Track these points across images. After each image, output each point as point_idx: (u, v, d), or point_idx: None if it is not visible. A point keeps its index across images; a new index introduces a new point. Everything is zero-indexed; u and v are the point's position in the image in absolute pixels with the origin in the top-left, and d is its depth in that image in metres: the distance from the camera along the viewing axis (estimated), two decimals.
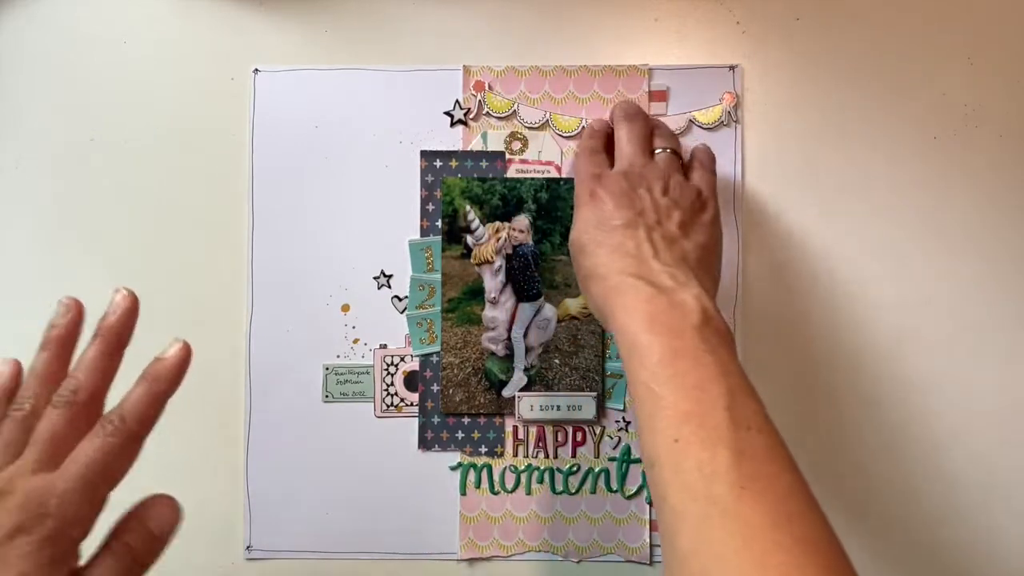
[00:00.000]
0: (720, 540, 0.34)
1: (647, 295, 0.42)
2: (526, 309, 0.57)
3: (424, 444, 0.58)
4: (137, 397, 0.38)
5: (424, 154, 0.58)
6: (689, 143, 0.57)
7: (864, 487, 0.57)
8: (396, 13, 0.59)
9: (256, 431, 0.58)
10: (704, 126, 0.58)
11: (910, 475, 0.57)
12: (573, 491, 0.57)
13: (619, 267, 0.44)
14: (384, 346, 0.58)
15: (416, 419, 0.58)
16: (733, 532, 0.34)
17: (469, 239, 0.57)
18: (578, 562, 0.57)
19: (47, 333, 0.40)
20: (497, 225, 0.57)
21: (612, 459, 0.57)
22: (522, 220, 0.57)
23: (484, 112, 0.58)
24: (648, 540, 0.57)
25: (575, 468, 0.58)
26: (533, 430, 0.58)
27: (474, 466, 0.58)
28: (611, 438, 0.58)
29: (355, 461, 0.58)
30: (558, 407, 0.57)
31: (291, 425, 0.58)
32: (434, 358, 0.58)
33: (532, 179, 0.58)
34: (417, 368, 0.58)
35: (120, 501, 0.38)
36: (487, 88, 0.58)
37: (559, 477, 0.58)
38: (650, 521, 0.57)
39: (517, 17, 0.59)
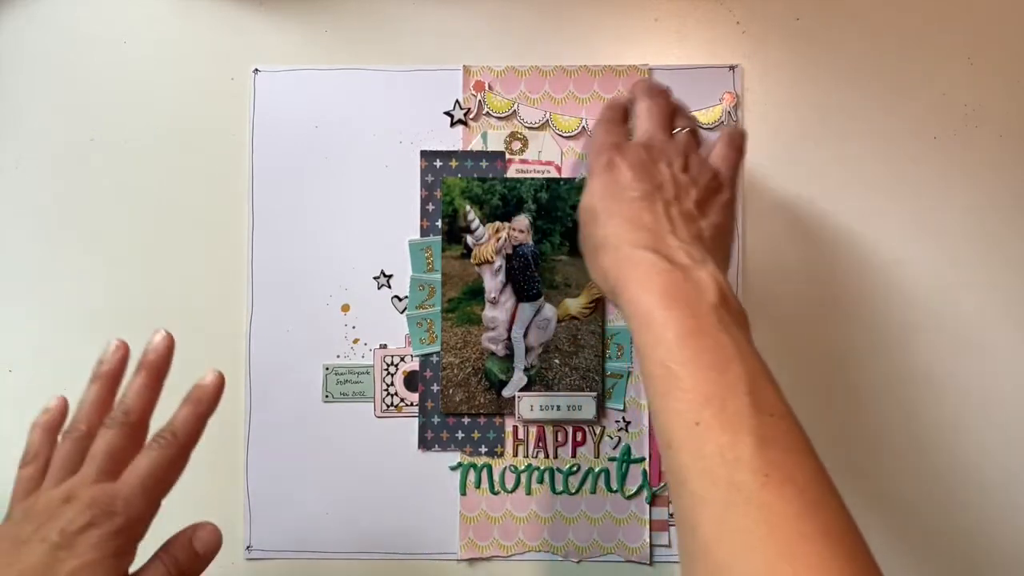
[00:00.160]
0: (744, 528, 0.33)
1: (662, 269, 0.41)
2: (526, 309, 0.57)
3: (424, 444, 0.58)
4: (185, 416, 0.44)
5: (424, 154, 0.58)
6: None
7: (872, 479, 0.57)
8: (396, 13, 0.59)
9: (256, 431, 0.58)
10: (704, 126, 0.58)
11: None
12: (573, 491, 0.57)
13: (633, 239, 0.43)
14: (384, 346, 0.58)
15: (416, 419, 0.58)
16: (758, 520, 0.33)
17: (469, 239, 0.57)
18: (578, 562, 0.57)
19: (98, 369, 0.46)
20: (497, 225, 0.57)
21: (612, 459, 0.57)
22: (522, 220, 0.57)
23: (484, 112, 0.58)
24: (648, 540, 0.57)
25: (575, 468, 0.58)
26: (533, 430, 0.58)
27: (474, 466, 0.58)
28: (611, 438, 0.58)
29: (355, 461, 0.58)
30: (558, 407, 0.57)
31: (291, 425, 0.58)
32: (434, 358, 0.58)
33: (532, 179, 0.58)
34: (417, 368, 0.58)
35: None
36: (487, 88, 0.58)
37: (559, 477, 0.58)
38: (650, 521, 0.57)
39: (517, 17, 0.59)
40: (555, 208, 0.57)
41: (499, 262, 0.57)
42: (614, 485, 0.57)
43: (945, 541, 0.57)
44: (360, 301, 0.58)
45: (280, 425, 0.58)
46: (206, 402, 0.45)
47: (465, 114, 0.58)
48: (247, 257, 0.58)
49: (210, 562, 0.44)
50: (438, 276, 0.58)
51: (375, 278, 0.58)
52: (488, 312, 0.57)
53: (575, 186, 0.57)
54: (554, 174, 0.58)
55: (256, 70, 0.59)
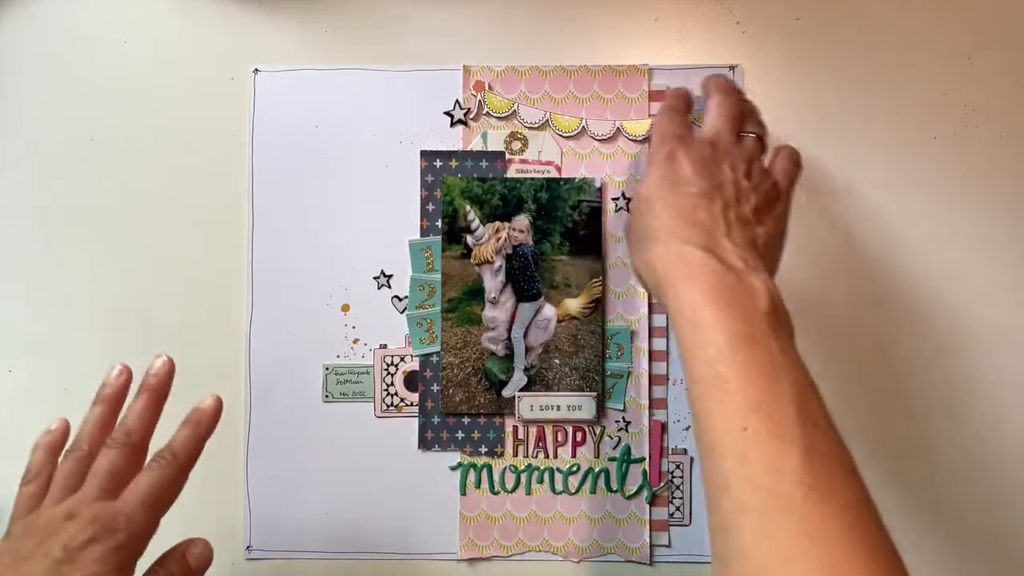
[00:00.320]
0: (786, 539, 0.33)
1: (715, 270, 0.41)
2: (526, 309, 0.57)
3: (424, 444, 0.58)
4: (184, 437, 0.46)
5: (424, 154, 0.58)
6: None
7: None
8: (396, 13, 0.59)
9: (256, 431, 0.58)
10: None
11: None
12: (573, 491, 0.57)
13: (686, 235, 0.43)
14: (384, 346, 0.58)
15: (416, 419, 0.58)
16: (800, 533, 0.33)
17: (469, 239, 0.57)
18: (578, 562, 0.57)
19: (101, 391, 0.48)
20: (497, 225, 0.57)
21: (612, 459, 0.57)
22: (522, 220, 0.57)
23: (484, 112, 0.58)
24: (648, 540, 0.57)
25: (575, 468, 0.58)
26: (533, 430, 0.58)
27: (474, 466, 0.58)
28: (611, 438, 0.58)
29: (355, 461, 0.58)
30: (558, 407, 0.57)
31: (291, 425, 0.58)
32: (434, 358, 0.58)
33: (532, 179, 0.58)
34: (417, 368, 0.58)
35: None
36: (487, 88, 0.58)
37: (559, 477, 0.57)
38: (650, 521, 0.57)
39: (517, 17, 0.59)
40: (555, 208, 0.57)
41: (499, 262, 0.57)
42: (614, 485, 0.57)
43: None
44: (360, 301, 0.58)
45: (280, 425, 0.58)
46: (205, 424, 0.47)
47: (465, 114, 0.58)
48: (247, 257, 0.58)
49: (203, 575, 0.45)
50: (438, 276, 0.58)
51: (375, 278, 0.58)
52: (488, 312, 0.57)
53: (575, 186, 0.57)
54: (554, 174, 0.58)
55: (256, 70, 0.59)
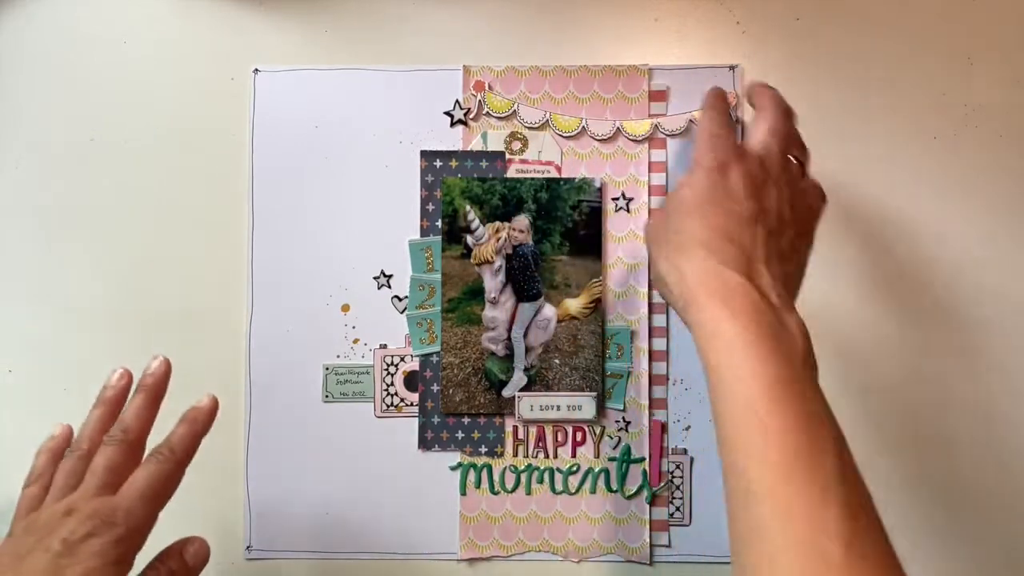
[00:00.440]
0: None
1: (755, 302, 0.39)
2: (526, 309, 0.57)
3: (424, 444, 0.58)
4: (181, 433, 0.46)
5: (424, 154, 0.58)
6: (690, 143, 0.58)
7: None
8: (396, 13, 0.59)
9: (256, 431, 0.58)
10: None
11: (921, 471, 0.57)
12: (573, 491, 0.57)
13: (724, 255, 0.41)
14: (384, 346, 0.58)
15: (416, 419, 0.58)
16: None
17: (469, 239, 0.57)
18: (578, 562, 0.57)
19: (102, 394, 0.49)
20: (497, 225, 0.57)
21: (612, 459, 0.57)
22: (522, 220, 0.57)
23: (484, 112, 0.58)
24: (648, 540, 0.57)
25: (575, 468, 0.58)
26: (533, 430, 0.58)
27: (474, 466, 0.58)
28: (611, 438, 0.58)
29: (355, 461, 0.58)
30: (558, 407, 0.57)
31: (291, 425, 0.58)
32: (434, 358, 0.58)
33: (532, 179, 0.58)
34: (417, 368, 0.58)
35: None
36: (487, 88, 0.58)
37: (559, 477, 0.58)
38: (650, 521, 0.57)
39: (517, 17, 0.59)
40: (555, 208, 0.57)
41: (499, 262, 0.57)
42: (614, 485, 0.57)
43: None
44: (360, 301, 0.58)
45: (280, 425, 0.58)
46: (201, 422, 0.48)
47: (465, 114, 0.58)
48: (247, 257, 0.58)
49: (199, 573, 0.46)
50: (438, 276, 0.58)
51: (375, 278, 0.58)
52: (488, 312, 0.57)
53: (575, 186, 0.57)
54: (554, 174, 0.58)
55: (256, 70, 0.59)
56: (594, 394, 0.57)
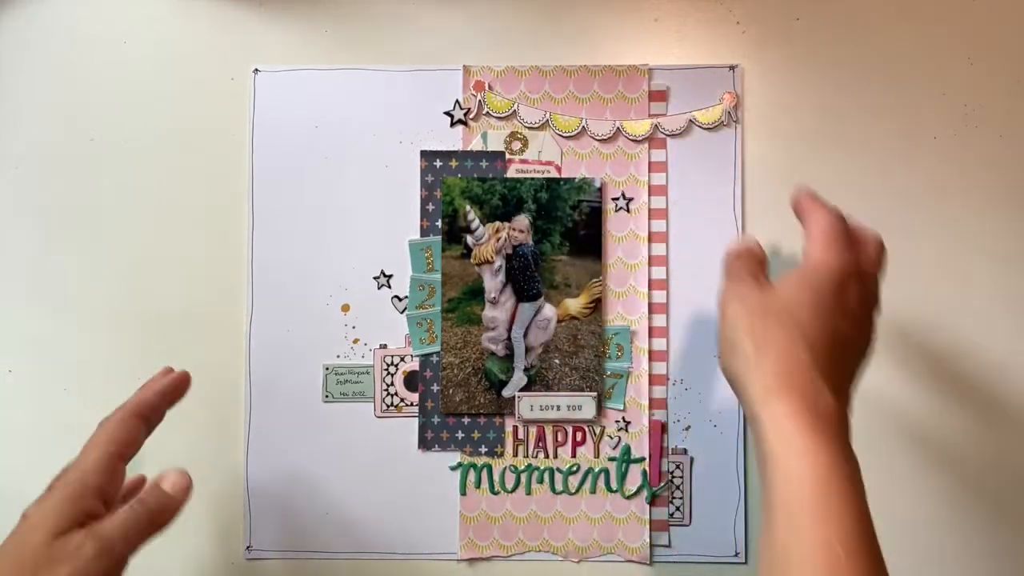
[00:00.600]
0: None
1: (844, 439, 0.38)
2: (526, 309, 0.57)
3: (424, 444, 0.58)
4: (143, 393, 0.46)
5: (424, 154, 0.58)
6: (690, 143, 0.58)
7: None
8: (396, 13, 0.59)
9: (256, 431, 0.58)
10: (704, 126, 0.58)
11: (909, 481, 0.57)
12: (573, 491, 0.57)
13: (825, 368, 0.40)
14: (384, 346, 0.58)
15: (416, 419, 0.58)
16: None
17: (469, 239, 0.57)
18: (578, 562, 0.57)
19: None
20: (497, 225, 0.57)
21: (612, 459, 0.57)
22: (522, 220, 0.57)
23: (484, 112, 0.58)
24: (648, 540, 0.57)
25: (575, 468, 0.58)
26: (533, 430, 0.58)
27: (474, 466, 0.58)
28: (611, 438, 0.58)
29: (355, 461, 0.58)
30: (558, 407, 0.57)
31: (291, 425, 0.58)
32: (434, 358, 0.58)
33: (532, 179, 0.58)
34: (417, 368, 0.58)
35: None
36: (487, 88, 0.58)
37: (559, 477, 0.57)
38: (650, 521, 0.57)
39: (517, 17, 0.59)
40: (555, 208, 0.57)
41: (499, 262, 0.57)
42: (614, 485, 0.57)
43: None
44: (360, 301, 0.58)
45: (280, 425, 0.58)
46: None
47: (465, 114, 0.58)
48: (247, 257, 0.58)
49: (182, 504, 0.45)
50: (438, 276, 0.58)
51: (375, 278, 0.58)
52: (488, 312, 0.57)
53: (575, 186, 0.57)
54: (554, 174, 0.58)
55: (256, 70, 0.59)
56: (594, 394, 0.57)
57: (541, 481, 0.58)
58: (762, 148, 0.58)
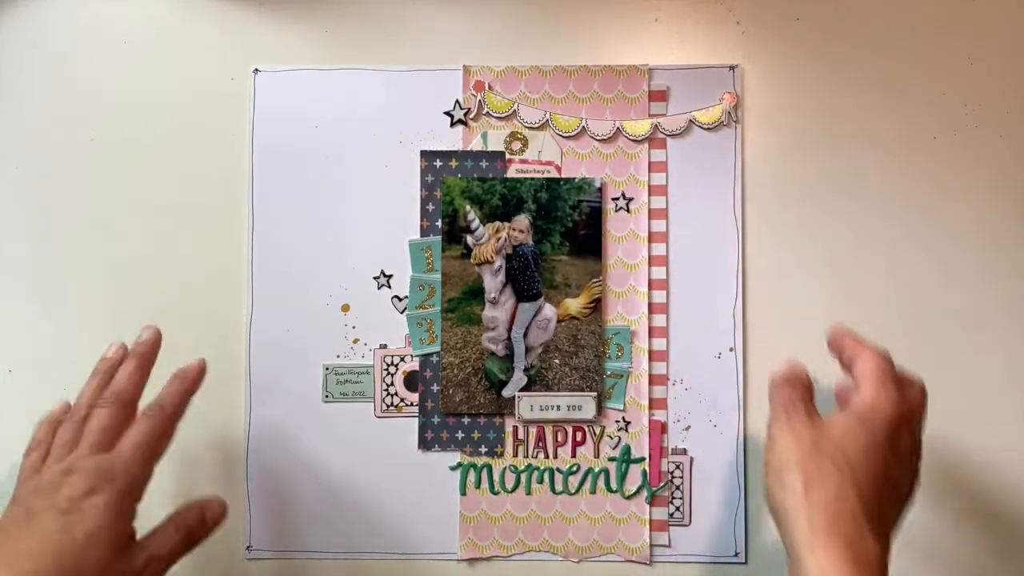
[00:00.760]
0: None
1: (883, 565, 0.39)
2: (526, 309, 0.57)
3: (424, 444, 0.58)
4: (171, 391, 0.49)
5: (424, 154, 0.58)
6: (690, 143, 0.58)
7: None
8: (396, 13, 0.59)
9: (256, 431, 0.58)
10: (704, 126, 0.58)
11: None
12: (573, 491, 0.57)
13: (872, 515, 0.40)
14: (384, 346, 0.58)
15: (416, 419, 0.58)
16: None
17: (469, 239, 0.57)
18: (578, 562, 0.57)
19: (98, 366, 0.50)
20: (497, 225, 0.57)
21: (612, 459, 0.57)
22: (522, 220, 0.57)
23: (484, 112, 0.58)
24: (648, 540, 0.57)
25: (575, 468, 0.58)
26: (533, 430, 0.58)
27: (474, 466, 0.58)
28: (611, 438, 0.58)
29: (355, 461, 0.58)
30: (558, 407, 0.57)
31: (291, 425, 0.58)
32: (434, 358, 0.58)
33: (532, 179, 0.58)
34: (417, 368, 0.58)
35: None
36: (487, 88, 0.58)
37: (559, 477, 0.57)
38: (650, 521, 0.57)
39: (517, 17, 0.59)
40: (555, 208, 0.57)
41: (499, 262, 0.57)
42: (614, 485, 0.57)
43: None
44: (360, 301, 0.58)
45: (280, 425, 0.58)
46: (190, 379, 0.50)
47: (465, 114, 0.58)
48: (247, 257, 0.58)
49: (212, 532, 0.48)
50: (438, 276, 0.58)
51: (375, 278, 0.58)
52: (488, 312, 0.57)
53: (575, 186, 0.57)
54: (554, 174, 0.58)
55: (256, 70, 0.59)
56: (594, 394, 0.57)
57: (541, 481, 0.58)
58: (762, 148, 0.58)
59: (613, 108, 0.58)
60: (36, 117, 0.59)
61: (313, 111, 0.58)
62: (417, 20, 0.59)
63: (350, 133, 0.58)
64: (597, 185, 0.57)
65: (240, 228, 0.58)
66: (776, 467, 0.42)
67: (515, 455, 0.58)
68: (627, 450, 0.57)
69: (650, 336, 0.57)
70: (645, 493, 0.57)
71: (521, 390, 0.57)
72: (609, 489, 0.57)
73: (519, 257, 0.57)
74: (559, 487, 0.57)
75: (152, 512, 0.46)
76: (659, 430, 0.57)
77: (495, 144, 0.58)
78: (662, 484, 0.57)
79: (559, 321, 0.57)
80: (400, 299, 0.58)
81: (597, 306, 0.57)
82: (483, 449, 0.58)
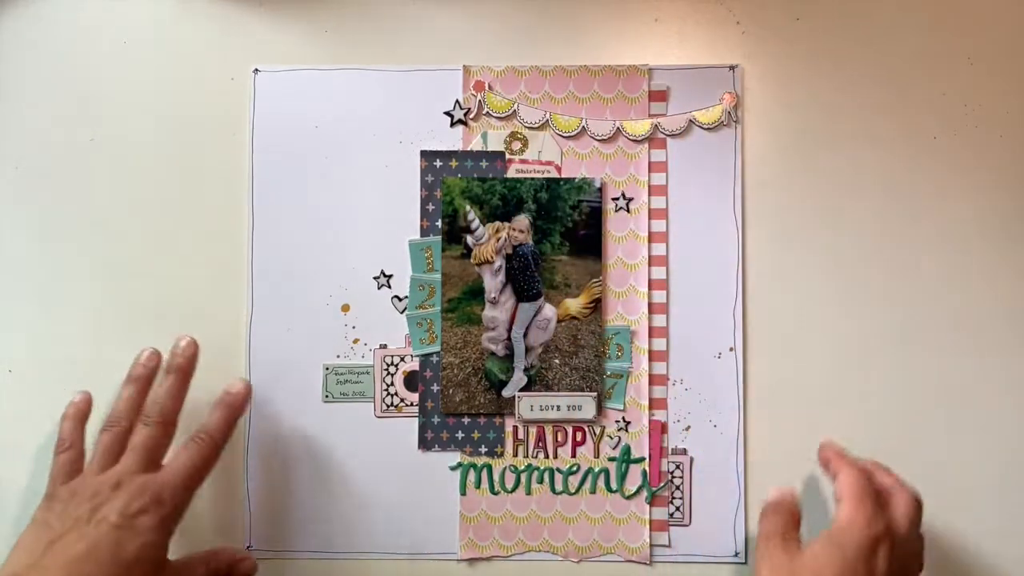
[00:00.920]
0: None
1: None
2: (526, 309, 0.57)
3: (424, 444, 0.58)
4: (218, 418, 0.52)
5: (424, 154, 0.58)
6: (690, 143, 0.58)
7: None
8: (396, 13, 0.59)
9: (256, 431, 0.58)
10: (704, 126, 0.58)
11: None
12: (573, 491, 0.57)
13: None
14: (384, 346, 0.58)
15: (416, 419, 0.58)
16: None
17: (469, 239, 0.57)
18: (578, 562, 0.57)
19: (133, 371, 0.53)
20: (497, 225, 0.57)
21: (612, 459, 0.57)
22: (522, 220, 0.57)
23: (484, 112, 0.58)
24: (648, 540, 0.57)
25: (575, 468, 0.58)
26: (533, 430, 0.58)
27: (474, 466, 0.58)
28: (611, 438, 0.58)
29: (355, 461, 0.58)
30: (558, 407, 0.57)
31: (291, 425, 0.58)
32: (434, 358, 0.58)
33: (532, 179, 0.58)
34: (417, 368, 0.58)
35: None
36: (487, 88, 0.58)
37: (559, 477, 0.57)
38: (650, 521, 0.57)
39: (517, 17, 0.59)
40: (555, 208, 0.57)
41: (499, 262, 0.57)
42: (614, 485, 0.57)
43: None
44: (360, 301, 0.58)
45: (280, 425, 0.58)
46: (237, 407, 0.53)
47: (465, 114, 0.58)
48: (247, 257, 0.58)
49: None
50: (438, 276, 0.58)
51: (375, 278, 0.58)
52: (488, 312, 0.57)
53: (575, 186, 0.57)
54: (554, 174, 0.58)
55: (256, 70, 0.59)
56: (594, 394, 0.57)
57: (541, 481, 0.58)
58: (762, 148, 0.58)
59: (613, 108, 0.58)
60: (36, 117, 0.59)
61: (313, 111, 0.58)
62: (417, 20, 0.59)
63: (350, 133, 0.58)
64: (597, 185, 0.58)
65: (240, 228, 0.58)
66: None
67: (515, 455, 0.58)
68: (627, 450, 0.57)
69: (650, 336, 0.57)
70: (645, 493, 0.57)
71: (521, 390, 0.57)
72: (609, 489, 0.57)
73: (519, 257, 0.57)
74: (559, 487, 0.57)
75: None
76: (659, 430, 0.57)
77: (495, 144, 0.58)
78: (662, 484, 0.57)
79: (559, 321, 0.57)
80: (400, 299, 0.58)
81: (597, 306, 0.57)
82: (483, 449, 0.58)
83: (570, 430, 0.58)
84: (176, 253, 0.58)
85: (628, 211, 0.58)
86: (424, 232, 0.58)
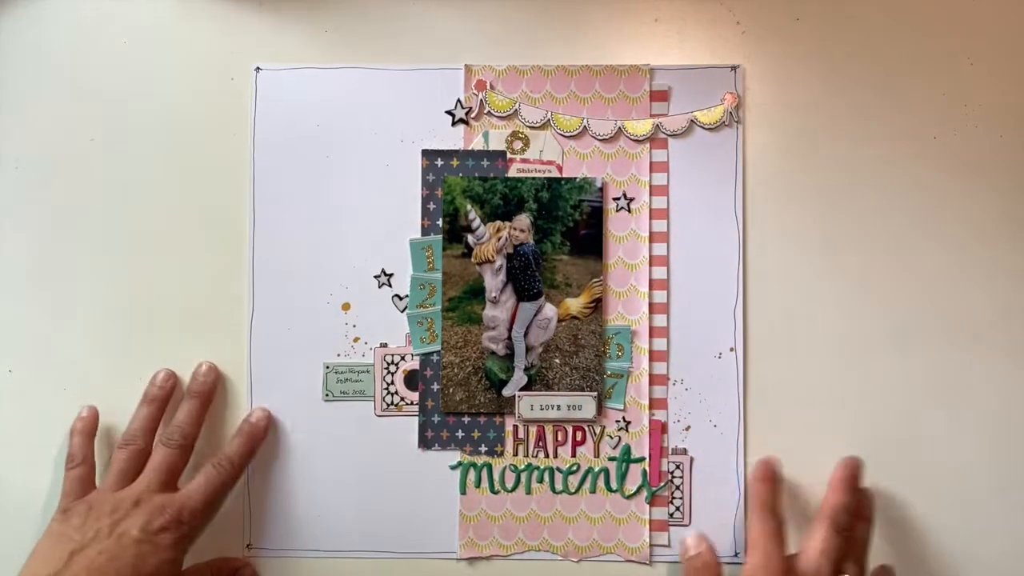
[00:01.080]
0: None
1: None
2: (527, 308, 0.57)
3: (424, 443, 0.58)
4: (239, 445, 0.55)
5: (425, 153, 0.58)
6: (691, 143, 0.58)
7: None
8: (397, 12, 0.59)
9: None
10: (705, 126, 0.58)
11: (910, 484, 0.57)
12: (573, 491, 0.57)
13: None
14: (385, 345, 0.58)
15: (416, 418, 0.58)
16: None
17: (470, 238, 0.57)
18: (578, 562, 0.57)
19: (149, 392, 0.56)
20: (498, 224, 0.57)
21: (612, 459, 0.57)
22: (523, 219, 0.57)
23: (485, 111, 0.58)
24: (648, 540, 0.57)
25: (575, 468, 0.58)
26: (533, 429, 0.58)
27: (474, 465, 0.58)
28: (611, 438, 0.57)
29: (355, 461, 0.58)
30: (558, 407, 0.57)
31: (291, 424, 0.58)
32: (434, 357, 0.58)
33: (533, 178, 0.58)
34: (417, 367, 0.58)
35: None
36: (488, 87, 0.58)
37: (559, 477, 0.57)
38: (650, 521, 0.57)
39: (519, 17, 0.59)
40: (556, 207, 0.57)
41: (500, 261, 0.57)
42: (614, 485, 0.57)
43: None
44: (361, 300, 0.58)
45: (280, 425, 0.58)
46: (257, 436, 0.56)
47: (466, 113, 0.58)
48: (247, 257, 0.58)
49: None
50: (439, 275, 0.58)
51: (376, 277, 0.58)
52: (489, 311, 0.57)
53: (576, 185, 0.57)
54: (555, 173, 0.58)
55: (257, 69, 0.59)
56: (594, 394, 0.57)
57: (541, 481, 0.57)
58: (763, 148, 0.58)
59: (614, 108, 0.58)
60: (36, 117, 0.59)
61: (314, 110, 0.58)
62: (418, 19, 0.59)
63: (352, 132, 0.58)
64: (598, 185, 0.58)
65: (241, 227, 0.58)
66: None
67: (515, 454, 0.58)
68: (627, 450, 0.57)
69: (650, 336, 0.57)
70: (645, 493, 0.57)
71: (521, 389, 0.57)
72: (609, 489, 0.57)
73: (520, 256, 0.57)
74: (559, 487, 0.57)
75: None
76: (659, 430, 0.57)
77: (496, 143, 0.58)
78: (662, 484, 0.57)
79: (560, 321, 0.57)
80: (401, 298, 0.58)
81: (598, 306, 0.57)
82: (483, 448, 0.58)
83: (570, 430, 0.58)
84: (177, 252, 0.58)
85: (629, 211, 0.58)
86: (425, 231, 0.58)
